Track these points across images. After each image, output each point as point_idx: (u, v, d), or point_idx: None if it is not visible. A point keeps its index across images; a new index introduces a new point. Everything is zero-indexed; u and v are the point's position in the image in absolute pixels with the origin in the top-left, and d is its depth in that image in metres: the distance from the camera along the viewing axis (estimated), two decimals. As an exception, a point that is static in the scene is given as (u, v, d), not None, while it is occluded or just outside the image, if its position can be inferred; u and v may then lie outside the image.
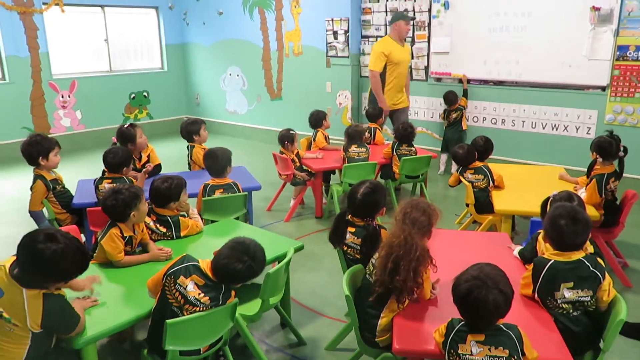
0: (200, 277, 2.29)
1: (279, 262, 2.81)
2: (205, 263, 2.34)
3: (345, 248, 2.92)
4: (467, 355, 1.90)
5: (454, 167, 6.42)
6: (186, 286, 2.27)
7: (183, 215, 3.25)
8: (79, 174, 4.94)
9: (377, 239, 2.68)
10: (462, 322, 1.96)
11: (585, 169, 4.14)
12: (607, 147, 3.83)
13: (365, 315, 2.39)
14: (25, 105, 7.74)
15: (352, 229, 2.88)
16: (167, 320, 2.17)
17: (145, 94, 9.20)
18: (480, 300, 1.86)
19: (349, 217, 2.91)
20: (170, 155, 6.46)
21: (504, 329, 1.90)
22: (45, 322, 2.00)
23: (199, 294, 2.27)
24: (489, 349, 1.87)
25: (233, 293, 2.38)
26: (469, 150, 4.27)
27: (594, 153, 3.91)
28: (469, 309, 1.92)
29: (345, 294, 2.38)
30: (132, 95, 9.03)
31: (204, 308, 2.26)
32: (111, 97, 8.70)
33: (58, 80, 8.05)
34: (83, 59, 8.47)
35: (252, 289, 2.81)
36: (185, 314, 2.24)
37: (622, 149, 3.90)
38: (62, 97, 8.12)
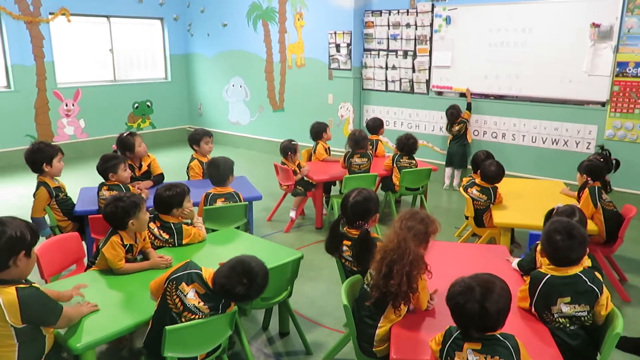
0: (202, 286, 2.30)
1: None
2: (207, 273, 2.34)
3: (343, 260, 2.94)
4: (463, 364, 1.91)
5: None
6: (186, 293, 2.28)
7: (187, 224, 3.27)
8: (81, 182, 4.97)
9: (368, 242, 2.70)
10: (459, 331, 1.97)
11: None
12: (599, 170, 3.95)
13: (363, 325, 2.40)
14: (30, 113, 7.81)
15: (348, 243, 2.88)
16: (167, 327, 2.18)
17: (148, 103, 9.27)
18: (465, 308, 1.87)
19: (345, 229, 2.91)
20: (172, 165, 6.49)
21: (501, 338, 1.90)
22: (25, 315, 2.01)
23: (199, 302, 2.28)
24: (485, 358, 1.88)
25: (232, 303, 2.39)
26: (498, 172, 4.14)
27: (584, 175, 3.94)
28: (453, 314, 1.94)
29: (344, 303, 2.39)
30: (136, 105, 9.09)
31: (203, 316, 2.27)
32: (115, 106, 8.77)
33: (62, 89, 8.13)
34: (88, 68, 8.56)
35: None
36: (183, 320, 2.25)
37: (614, 162, 3.96)
38: (66, 105, 8.19)
